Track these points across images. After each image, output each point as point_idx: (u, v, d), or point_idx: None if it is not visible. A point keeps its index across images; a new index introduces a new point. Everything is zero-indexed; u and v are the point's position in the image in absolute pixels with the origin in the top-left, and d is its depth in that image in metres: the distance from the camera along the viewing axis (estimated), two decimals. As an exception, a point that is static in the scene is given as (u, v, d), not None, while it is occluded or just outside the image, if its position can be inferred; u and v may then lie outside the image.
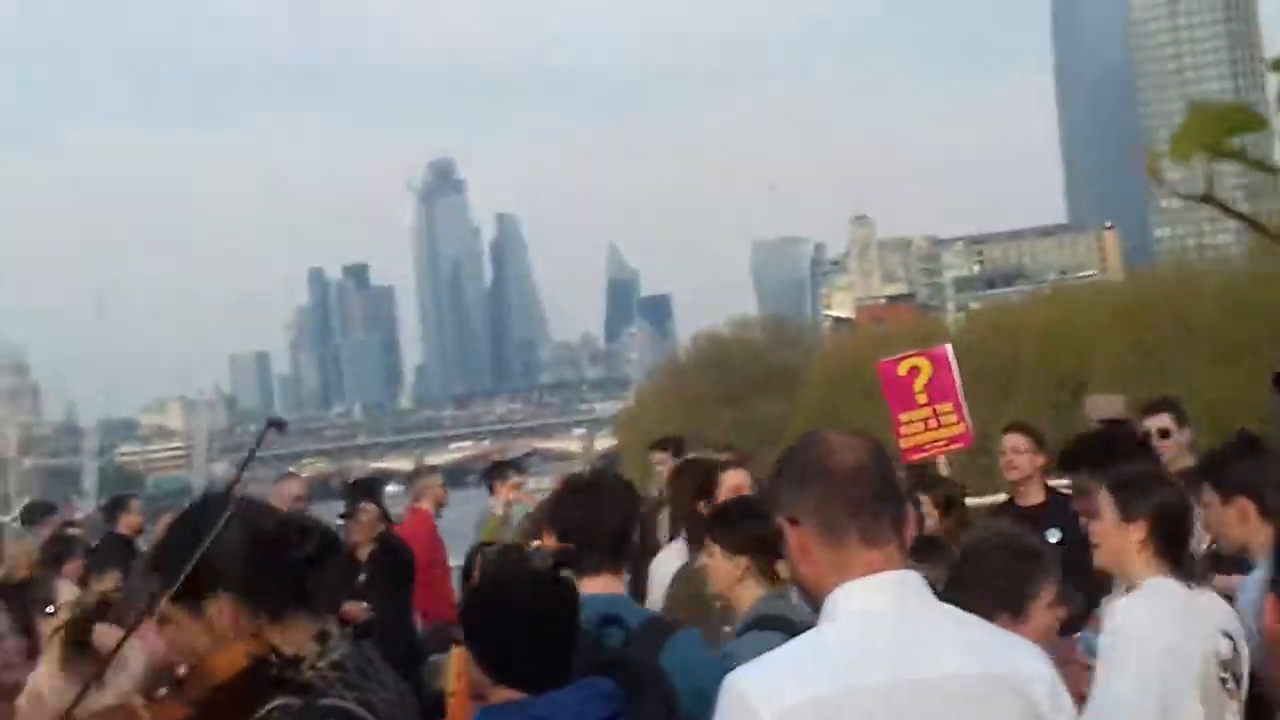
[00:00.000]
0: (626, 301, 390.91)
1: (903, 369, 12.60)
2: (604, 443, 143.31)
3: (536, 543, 6.02)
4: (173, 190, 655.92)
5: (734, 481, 7.74)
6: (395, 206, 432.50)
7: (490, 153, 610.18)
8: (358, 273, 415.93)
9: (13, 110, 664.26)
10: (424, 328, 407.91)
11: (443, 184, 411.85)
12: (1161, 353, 53.71)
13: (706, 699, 3.21)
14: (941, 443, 12.41)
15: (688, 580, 6.55)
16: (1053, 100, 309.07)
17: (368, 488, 12.23)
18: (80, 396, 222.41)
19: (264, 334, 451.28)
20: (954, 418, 12.41)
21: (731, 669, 2.98)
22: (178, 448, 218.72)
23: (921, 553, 5.56)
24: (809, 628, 3.01)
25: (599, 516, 4.92)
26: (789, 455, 3.14)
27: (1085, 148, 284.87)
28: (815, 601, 2.98)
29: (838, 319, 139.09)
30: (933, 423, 12.40)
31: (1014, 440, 8.87)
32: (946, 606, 3.05)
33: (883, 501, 2.96)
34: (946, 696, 2.87)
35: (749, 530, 5.48)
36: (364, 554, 10.61)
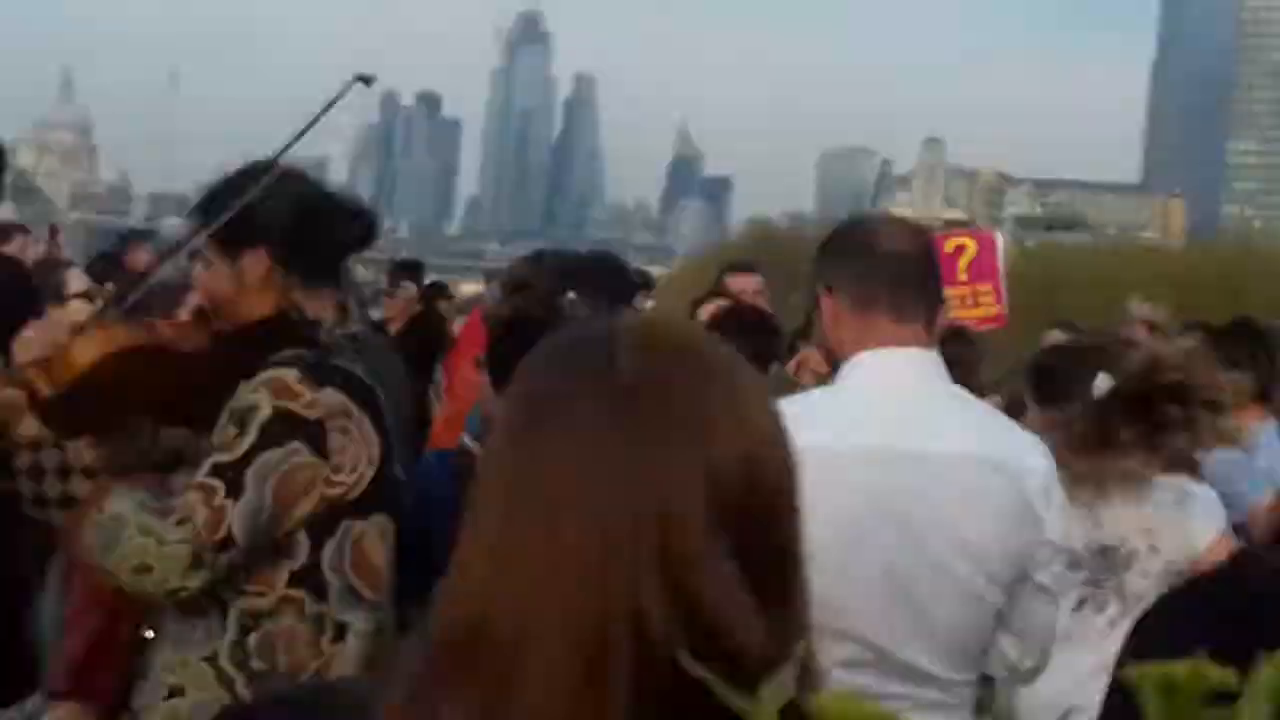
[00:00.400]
0: (687, 179, 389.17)
1: (949, 246, 13.06)
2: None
3: (571, 295, 6.08)
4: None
5: (741, 285, 7.52)
6: (479, 47, 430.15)
7: (580, 11, 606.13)
8: (430, 101, 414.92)
9: None
10: (483, 165, 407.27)
11: (529, 34, 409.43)
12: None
13: None
14: (976, 320, 13.03)
15: None
16: (1149, 67, 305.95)
17: (412, 267, 12.27)
18: (136, 166, 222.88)
19: (327, 143, 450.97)
20: (992, 299, 12.96)
21: None
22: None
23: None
24: None
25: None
26: (837, 232, 3.25)
27: (1171, 119, 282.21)
28: (838, 364, 3.05)
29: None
30: (970, 300, 12.93)
31: (1054, 336, 9.43)
32: (959, 390, 3.08)
33: (918, 284, 3.02)
34: (938, 471, 2.90)
35: (749, 337, 5.45)
36: (396, 330, 10.54)
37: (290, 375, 3.12)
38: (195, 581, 3.01)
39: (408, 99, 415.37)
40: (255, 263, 3.28)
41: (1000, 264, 13.15)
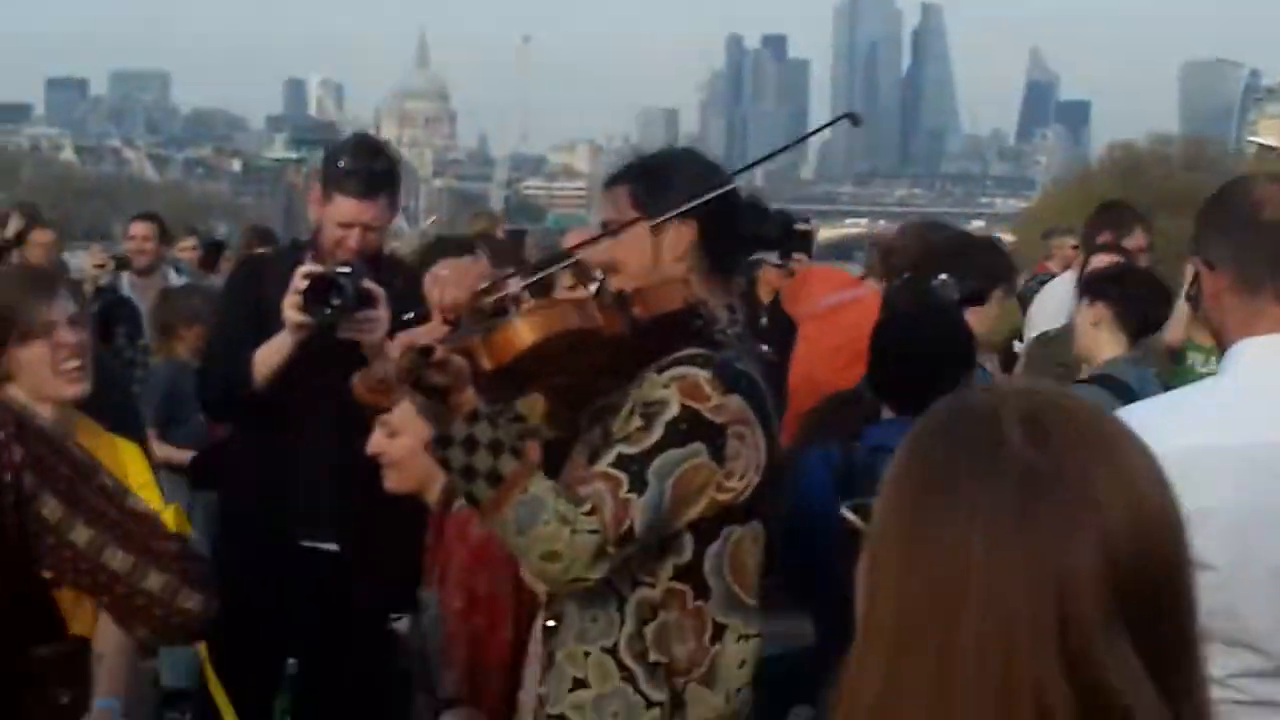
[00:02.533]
0: (1043, 104, 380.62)
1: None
2: (1002, 238, 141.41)
3: (943, 275, 6.13)
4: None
5: (1137, 243, 7.38)
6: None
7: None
8: (776, 43, 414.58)
9: None
10: (834, 104, 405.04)
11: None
12: None
13: None
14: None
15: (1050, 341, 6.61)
16: None
17: (793, 236, 11.66)
18: (494, 128, 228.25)
19: (676, 92, 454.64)
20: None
21: None
22: (580, 188, 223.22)
23: None
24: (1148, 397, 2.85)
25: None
26: (1215, 198, 3.00)
27: None
28: (1222, 348, 2.86)
29: (1264, 146, 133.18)
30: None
31: None
32: None
33: None
34: None
35: (1121, 287, 5.63)
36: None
37: (703, 376, 3.15)
38: (597, 573, 3.04)
39: (753, 41, 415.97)
40: (679, 238, 3.32)
41: None
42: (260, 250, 9.33)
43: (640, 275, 3.31)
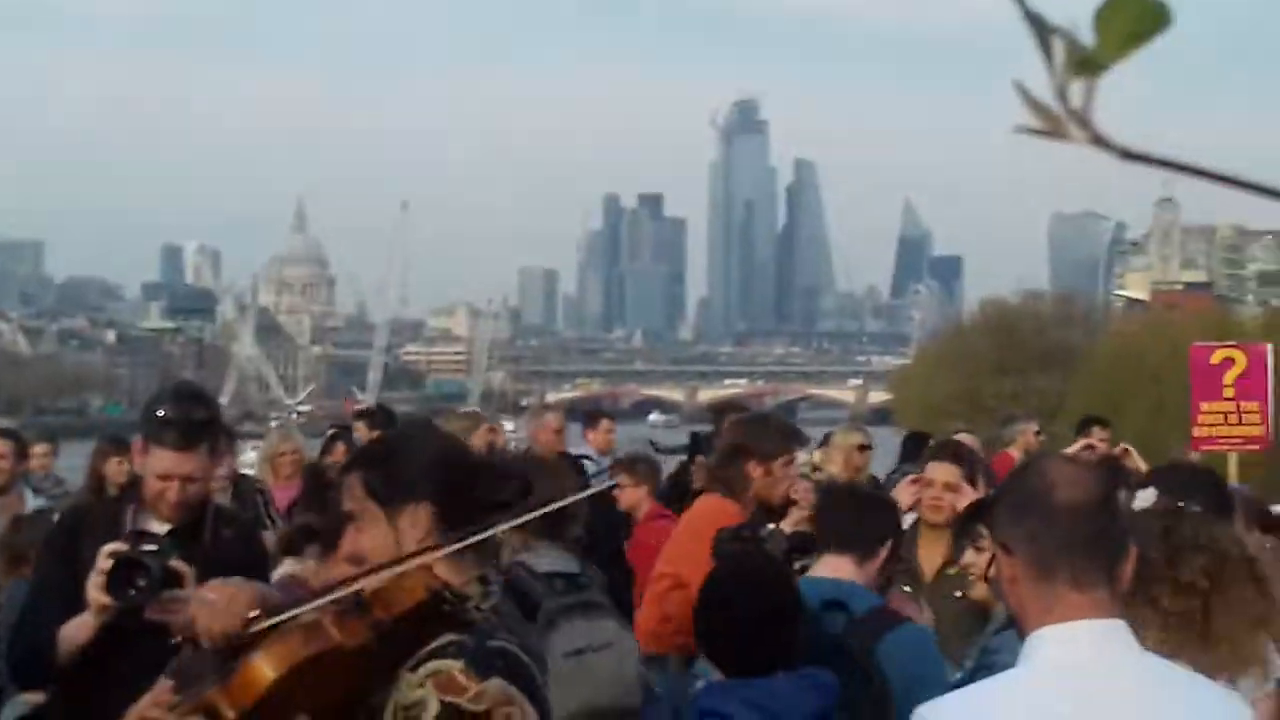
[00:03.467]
0: (916, 259, 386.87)
1: (1216, 358, 12.32)
2: (878, 396, 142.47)
3: (771, 526, 6.24)
4: (491, 111, 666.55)
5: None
6: (696, 141, 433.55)
7: (794, 98, 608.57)
8: (652, 202, 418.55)
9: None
10: (711, 262, 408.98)
11: (745, 123, 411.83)
12: None
13: (919, 695, 3.16)
14: (1238, 440, 12.15)
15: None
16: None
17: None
18: (372, 293, 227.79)
19: (554, 252, 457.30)
20: (1258, 418, 12.14)
21: (991, 664, 3.01)
22: (460, 352, 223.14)
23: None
24: None
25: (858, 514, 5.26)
26: (1011, 479, 3.05)
27: None
28: (1021, 635, 2.86)
29: (1131, 300, 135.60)
30: (1234, 418, 12.14)
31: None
32: (1155, 661, 2.88)
33: (1099, 544, 2.80)
34: None
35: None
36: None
37: (456, 667, 3.08)
38: None
39: (630, 200, 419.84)
40: (416, 520, 3.26)
41: (1270, 381, 12.34)
42: (74, 505, 8.95)
43: (368, 564, 3.23)
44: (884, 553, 5.14)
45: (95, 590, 4.61)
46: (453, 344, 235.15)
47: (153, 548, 4.63)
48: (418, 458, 3.32)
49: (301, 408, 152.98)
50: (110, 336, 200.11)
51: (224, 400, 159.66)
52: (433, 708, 3.06)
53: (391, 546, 3.25)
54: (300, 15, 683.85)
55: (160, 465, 4.91)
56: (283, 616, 3.12)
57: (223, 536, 4.94)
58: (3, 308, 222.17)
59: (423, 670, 3.10)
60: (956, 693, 3.05)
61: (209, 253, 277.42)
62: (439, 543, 3.21)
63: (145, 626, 4.49)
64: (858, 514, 5.25)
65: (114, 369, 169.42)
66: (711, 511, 6.59)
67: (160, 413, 4.93)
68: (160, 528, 4.92)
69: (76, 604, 4.71)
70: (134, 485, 5.35)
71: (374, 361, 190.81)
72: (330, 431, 12.62)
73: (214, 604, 3.19)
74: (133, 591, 4.57)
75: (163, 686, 3.04)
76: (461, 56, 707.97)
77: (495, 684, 3.09)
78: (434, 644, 3.14)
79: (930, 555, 6.73)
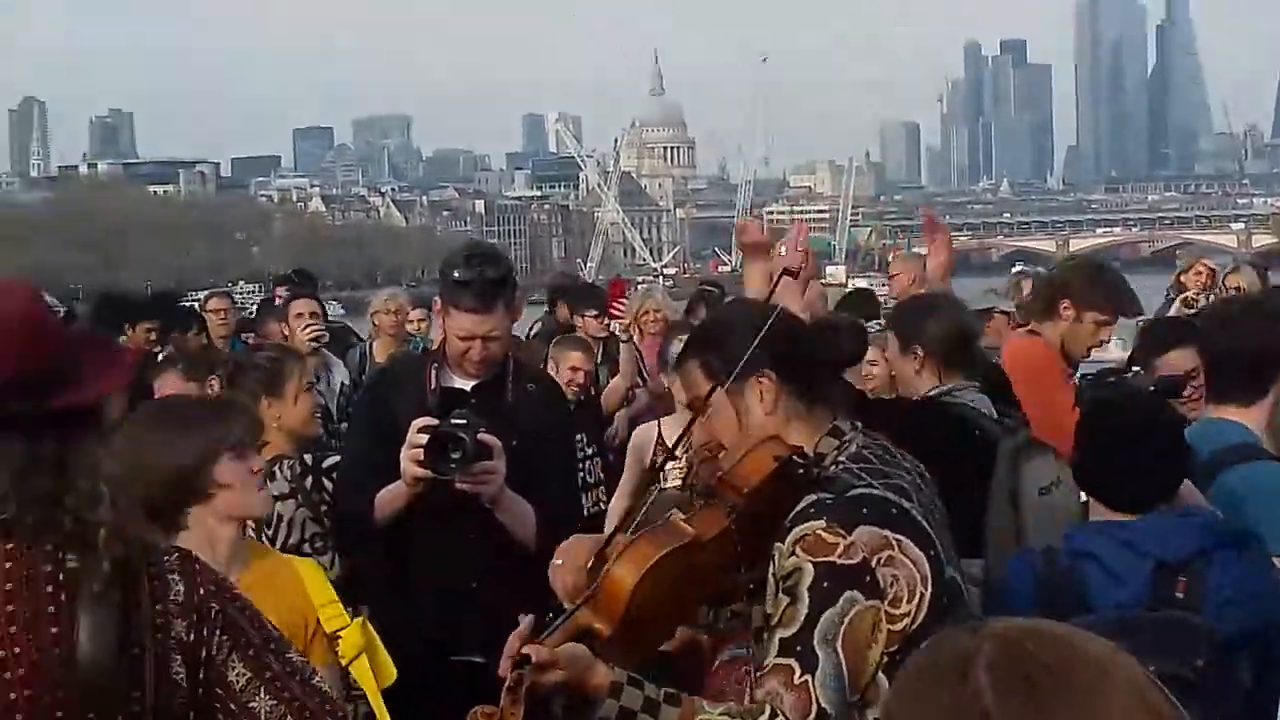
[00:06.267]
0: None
1: None
2: (1262, 239, 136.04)
3: (1137, 369, 5.77)
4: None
5: None
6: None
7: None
8: (1015, 48, 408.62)
9: None
10: (1079, 109, 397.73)
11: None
12: None
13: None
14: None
15: None
16: None
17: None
18: (733, 152, 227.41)
19: (915, 105, 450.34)
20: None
21: None
22: (823, 210, 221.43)
23: None
24: None
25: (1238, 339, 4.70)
26: None
27: None
28: None
29: None
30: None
31: None
32: None
33: None
34: None
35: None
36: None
37: (819, 526, 3.08)
38: None
39: (991, 48, 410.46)
40: (761, 394, 3.30)
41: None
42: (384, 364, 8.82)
43: (736, 445, 3.29)
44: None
45: (410, 463, 4.79)
46: (815, 202, 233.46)
47: (462, 421, 4.78)
48: (750, 331, 3.29)
49: (668, 270, 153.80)
50: (479, 206, 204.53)
51: (591, 265, 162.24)
52: (808, 572, 3.04)
53: (738, 425, 3.31)
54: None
55: (461, 326, 5.03)
56: (614, 552, 3.13)
57: (526, 391, 5.17)
58: (376, 182, 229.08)
59: (790, 538, 3.09)
60: None
61: (569, 119, 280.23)
62: (785, 411, 3.27)
63: (455, 495, 4.81)
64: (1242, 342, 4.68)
65: (485, 238, 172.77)
66: (1021, 351, 6.40)
67: (456, 275, 5.02)
68: (464, 384, 5.12)
69: (390, 465, 4.87)
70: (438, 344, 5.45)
71: (738, 223, 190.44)
72: (698, 291, 12.87)
73: (556, 568, 3.29)
74: (451, 464, 4.75)
75: (526, 622, 3.08)
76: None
77: (863, 532, 3.07)
78: (797, 508, 3.13)
79: None
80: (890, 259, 14.00)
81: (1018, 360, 6.26)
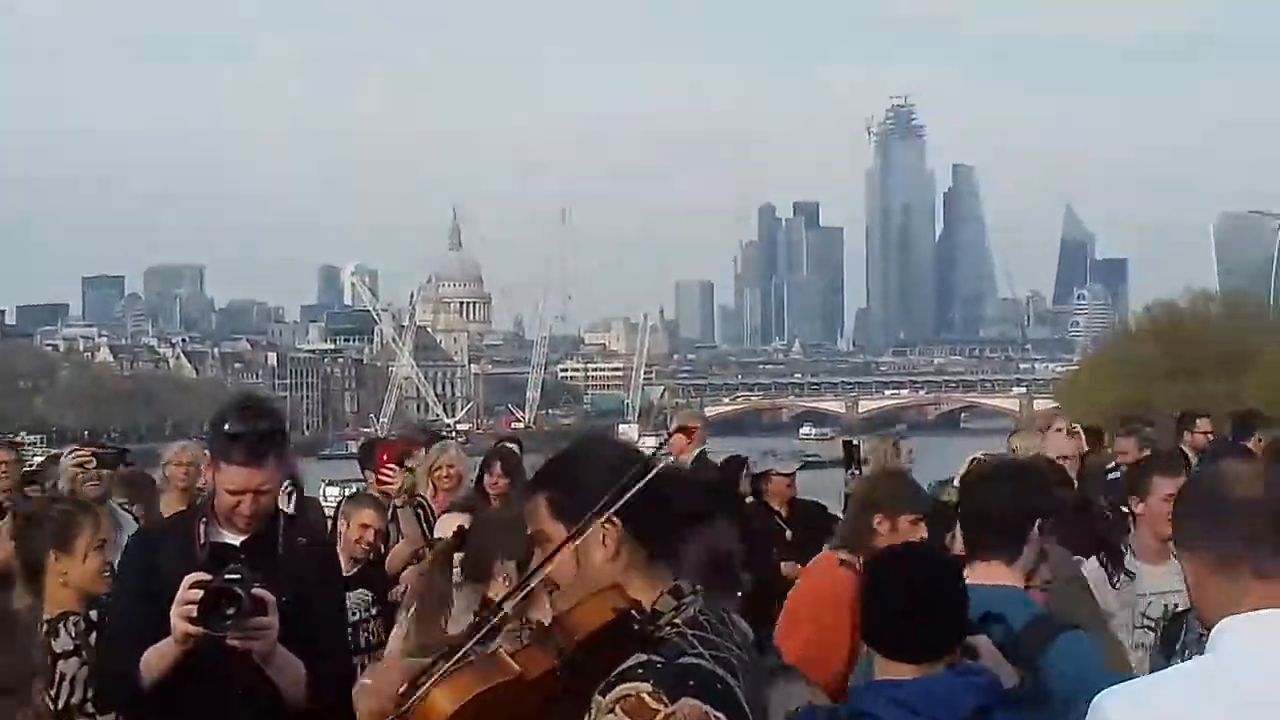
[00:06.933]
0: (1079, 264, 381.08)
1: None
2: (1043, 404, 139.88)
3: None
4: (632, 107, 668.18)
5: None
6: (852, 149, 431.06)
7: (951, 103, 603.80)
8: (808, 210, 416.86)
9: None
10: (869, 271, 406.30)
11: (901, 129, 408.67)
12: None
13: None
14: None
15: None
16: None
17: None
18: (529, 309, 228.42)
19: (709, 265, 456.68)
20: None
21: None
22: (618, 369, 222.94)
23: None
24: None
25: (998, 501, 4.80)
26: (1189, 483, 3.10)
27: None
28: (1206, 628, 2.84)
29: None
30: None
31: None
32: None
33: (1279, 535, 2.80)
34: None
35: None
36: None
37: (645, 690, 3.00)
38: None
39: (785, 210, 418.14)
40: (605, 539, 3.20)
41: None
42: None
43: (572, 587, 3.19)
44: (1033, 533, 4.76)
45: (181, 620, 4.63)
46: (610, 360, 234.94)
47: (235, 576, 4.66)
48: (604, 471, 3.24)
49: (461, 426, 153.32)
50: (272, 359, 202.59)
51: (384, 420, 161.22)
52: None
53: (574, 569, 3.21)
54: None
55: (232, 480, 4.91)
56: (432, 678, 3.07)
57: (297, 545, 5.08)
58: (167, 332, 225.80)
59: (612, 694, 3.02)
60: (1139, 680, 3.01)
61: (366, 272, 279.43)
62: (628, 560, 3.18)
63: (226, 652, 4.67)
64: (998, 501, 4.85)
65: (276, 392, 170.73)
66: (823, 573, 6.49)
67: (227, 428, 4.92)
68: (234, 539, 4.98)
69: (159, 622, 4.72)
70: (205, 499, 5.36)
71: (532, 379, 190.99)
72: (496, 446, 12.53)
73: (366, 689, 3.33)
74: (225, 621, 4.61)
75: None
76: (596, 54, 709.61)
77: (686, 704, 3.00)
78: (625, 665, 3.05)
79: None
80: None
81: (817, 588, 6.43)
